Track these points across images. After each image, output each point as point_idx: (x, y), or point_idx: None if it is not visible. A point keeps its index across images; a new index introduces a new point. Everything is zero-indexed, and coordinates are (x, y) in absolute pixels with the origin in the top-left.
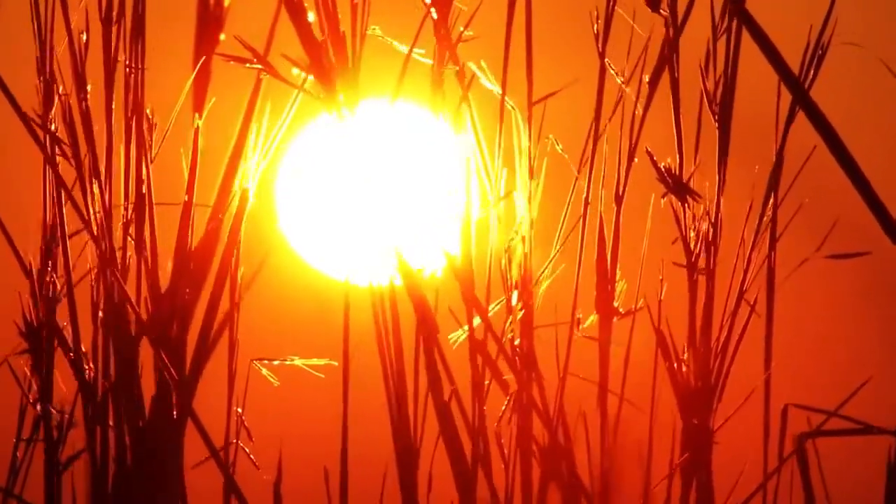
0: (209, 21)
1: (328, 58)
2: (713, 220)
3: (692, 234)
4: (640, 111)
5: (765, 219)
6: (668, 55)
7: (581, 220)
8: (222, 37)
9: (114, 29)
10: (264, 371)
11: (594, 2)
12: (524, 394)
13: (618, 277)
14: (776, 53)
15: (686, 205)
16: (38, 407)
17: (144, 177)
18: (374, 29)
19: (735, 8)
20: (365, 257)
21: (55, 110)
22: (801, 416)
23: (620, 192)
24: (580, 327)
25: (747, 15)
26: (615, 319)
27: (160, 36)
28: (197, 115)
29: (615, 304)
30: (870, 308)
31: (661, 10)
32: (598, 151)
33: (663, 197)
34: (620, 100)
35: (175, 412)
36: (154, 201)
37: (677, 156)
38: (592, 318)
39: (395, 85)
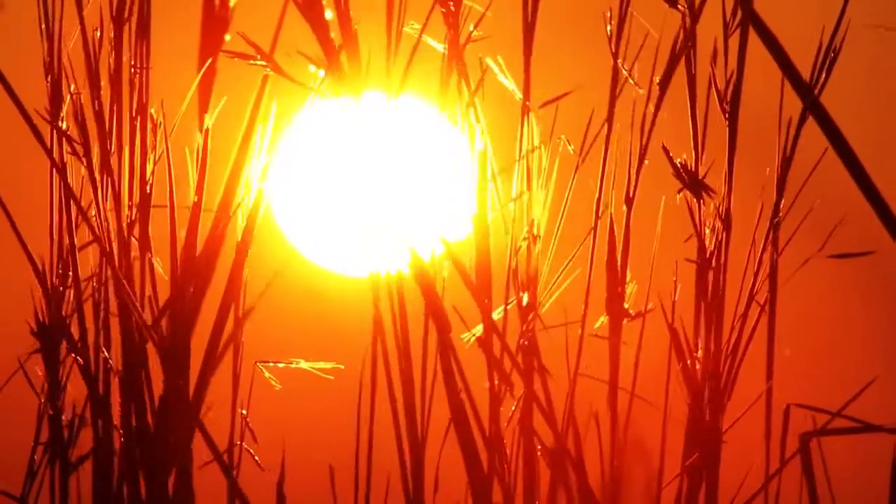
0: (215, 21)
1: (344, 54)
2: (723, 218)
3: (707, 231)
4: (650, 111)
5: (776, 220)
6: (685, 50)
7: (594, 221)
8: (228, 37)
9: (125, 28)
10: (267, 374)
11: (605, 1)
12: (529, 393)
13: (628, 279)
14: (786, 58)
15: (701, 201)
16: (50, 406)
17: (149, 178)
18: (411, 25)
19: (745, 13)
20: (371, 251)
21: (66, 109)
22: (805, 416)
23: (631, 194)
24: (594, 327)
25: (758, 20)
26: (625, 321)
27: (166, 35)
28: (207, 115)
29: (625, 306)
30: (874, 307)
31: (679, 6)
32: (609, 152)
33: (679, 192)
34: (616, 94)
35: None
36: (158, 202)
37: (693, 152)
38: (603, 320)
39: (400, 80)
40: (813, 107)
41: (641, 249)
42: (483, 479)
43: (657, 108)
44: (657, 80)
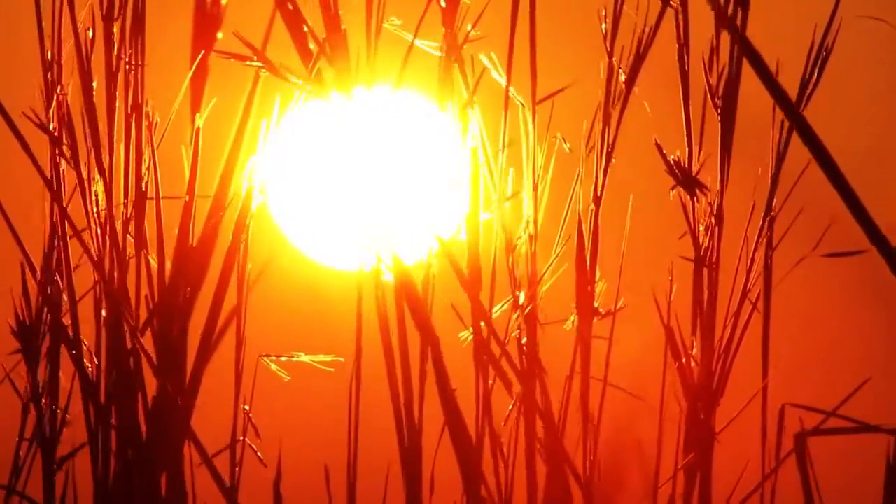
0: (207, 20)
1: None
2: (715, 213)
3: (701, 228)
4: (616, 112)
5: (767, 218)
6: (650, 47)
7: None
8: (220, 35)
9: (116, 26)
10: (273, 367)
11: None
12: (529, 393)
13: (598, 277)
14: (772, 78)
15: (695, 198)
16: (33, 406)
17: (144, 174)
18: (392, 20)
19: (734, 36)
20: (365, 247)
21: (54, 110)
22: (803, 416)
23: (599, 194)
24: (572, 325)
25: (746, 42)
26: (595, 320)
27: (160, 33)
28: (197, 114)
29: (595, 305)
30: (868, 306)
31: (671, 4)
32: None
33: (672, 189)
34: (610, 91)
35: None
36: (153, 199)
37: (686, 149)
38: (573, 318)
39: (400, 77)
40: (798, 122)
41: (636, 247)
42: (477, 475)
43: (622, 107)
44: (622, 80)
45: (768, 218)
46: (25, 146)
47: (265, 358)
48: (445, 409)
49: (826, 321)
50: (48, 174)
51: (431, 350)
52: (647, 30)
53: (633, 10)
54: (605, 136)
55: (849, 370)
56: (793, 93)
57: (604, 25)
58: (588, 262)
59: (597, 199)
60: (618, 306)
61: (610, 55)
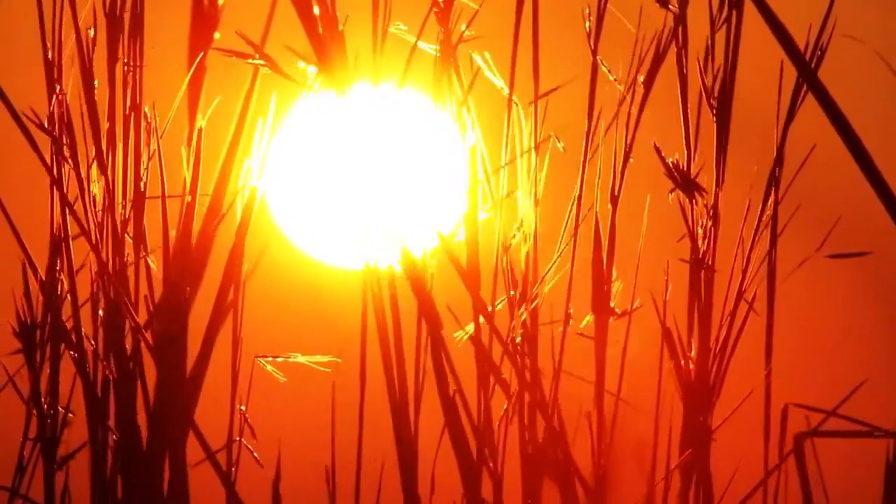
0: (204, 19)
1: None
2: (710, 214)
3: (699, 230)
4: (634, 111)
5: (764, 217)
6: (668, 49)
7: (576, 220)
8: (217, 35)
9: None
10: (269, 367)
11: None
12: (527, 392)
13: (614, 277)
14: (782, 28)
15: (693, 200)
16: (34, 406)
17: (143, 174)
18: (396, 25)
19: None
20: (365, 244)
21: (55, 110)
22: (802, 416)
23: (616, 193)
24: (579, 326)
25: None
26: (611, 320)
27: (157, 32)
28: (198, 114)
29: (611, 305)
30: (870, 307)
31: (670, 6)
32: (592, 150)
33: (671, 192)
34: (622, 100)
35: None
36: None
37: (685, 151)
38: (588, 319)
39: (402, 77)
40: (810, 80)
41: (634, 248)
42: (473, 470)
43: (641, 107)
44: (641, 80)
45: (765, 216)
46: (33, 143)
47: (260, 359)
48: (443, 401)
49: (826, 321)
50: (50, 174)
51: (432, 333)
52: (665, 32)
53: (620, 11)
54: (626, 135)
55: (849, 370)
56: (788, 93)
57: (587, 24)
58: (605, 262)
59: (614, 199)
60: (634, 306)
61: (594, 53)
